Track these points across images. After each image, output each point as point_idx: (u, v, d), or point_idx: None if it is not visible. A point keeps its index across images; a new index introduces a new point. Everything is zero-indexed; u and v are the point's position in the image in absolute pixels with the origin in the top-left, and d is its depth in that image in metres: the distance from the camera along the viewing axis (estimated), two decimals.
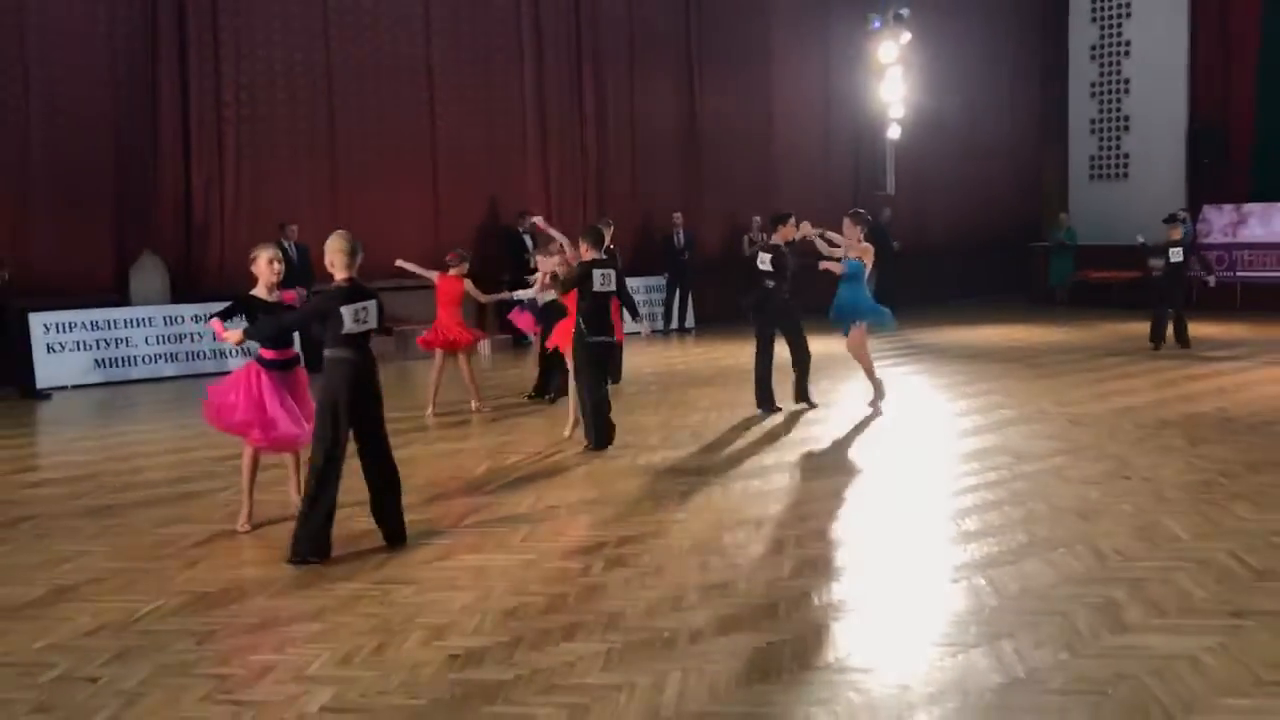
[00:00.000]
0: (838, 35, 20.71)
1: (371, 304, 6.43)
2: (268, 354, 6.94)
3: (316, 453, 6.30)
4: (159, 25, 14.09)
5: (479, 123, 16.86)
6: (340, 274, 6.42)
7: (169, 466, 8.89)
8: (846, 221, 10.78)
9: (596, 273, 9.09)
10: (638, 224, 18.55)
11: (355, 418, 6.34)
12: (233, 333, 6.68)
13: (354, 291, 6.39)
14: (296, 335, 7.24)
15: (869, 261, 10.66)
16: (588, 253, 9.26)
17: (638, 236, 18.43)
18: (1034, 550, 6.19)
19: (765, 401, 10.74)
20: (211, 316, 7.19)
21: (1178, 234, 14.54)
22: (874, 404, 10.69)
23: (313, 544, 6.25)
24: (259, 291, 7.01)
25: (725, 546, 6.40)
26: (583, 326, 9.10)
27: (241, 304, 7.04)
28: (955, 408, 10.87)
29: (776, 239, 10.77)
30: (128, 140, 14.04)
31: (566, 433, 9.58)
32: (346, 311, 6.29)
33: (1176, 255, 14.38)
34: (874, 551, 6.31)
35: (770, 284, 10.63)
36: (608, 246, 12.01)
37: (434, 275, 11.03)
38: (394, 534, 6.56)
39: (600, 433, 9.03)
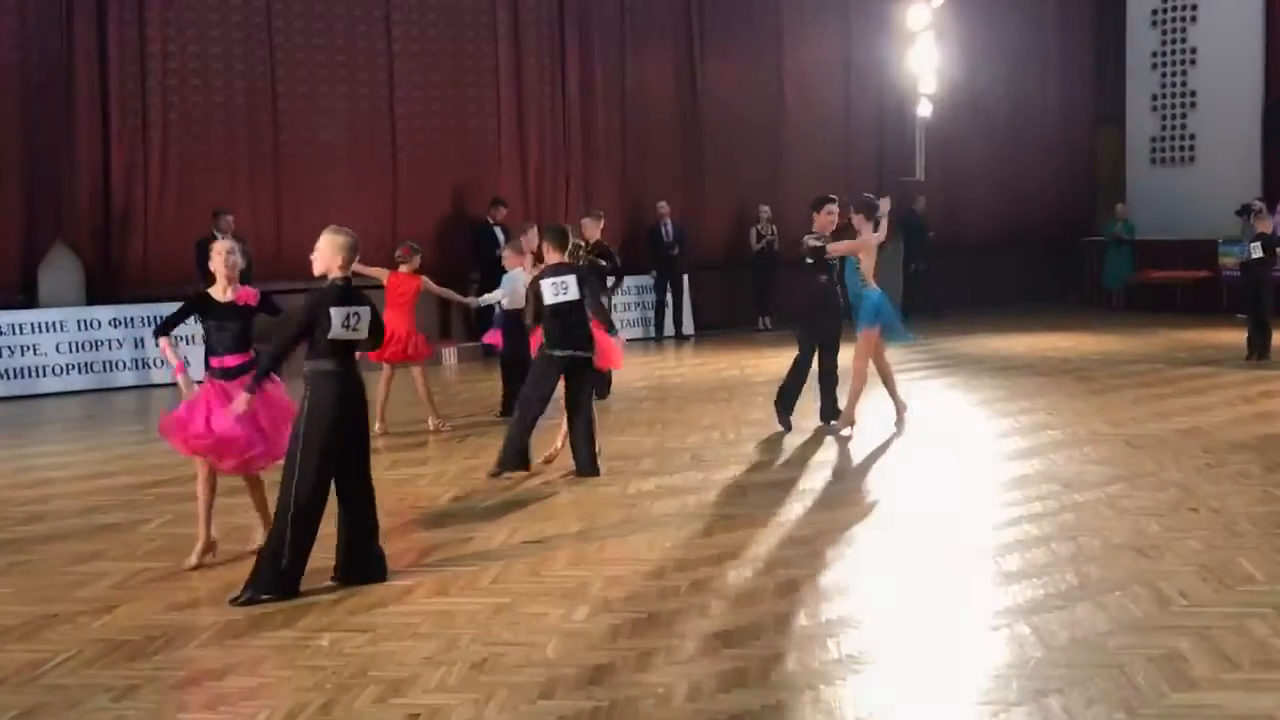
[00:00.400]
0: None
1: (365, 311, 6.47)
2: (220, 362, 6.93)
3: (298, 488, 6.26)
4: None
5: (445, 101, 16.90)
6: (338, 272, 6.48)
7: (83, 494, 8.88)
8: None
9: (546, 283, 9.03)
10: (630, 217, 18.57)
11: (342, 444, 6.34)
12: (239, 401, 6.58)
13: (347, 293, 6.44)
14: None
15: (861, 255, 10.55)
16: (550, 255, 9.25)
17: (630, 232, 18.45)
18: (1086, 593, 6.20)
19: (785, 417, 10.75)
20: (158, 332, 7.10)
21: (1265, 226, 14.65)
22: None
23: (278, 586, 6.26)
24: (215, 291, 6.99)
25: (728, 589, 6.40)
26: (544, 338, 9.14)
27: (193, 306, 7.01)
28: (994, 428, 10.88)
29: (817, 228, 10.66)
30: (37, 118, 14.05)
31: (548, 453, 9.55)
32: (336, 314, 6.33)
33: (1255, 251, 14.48)
34: (901, 595, 6.32)
35: (822, 279, 10.61)
36: (598, 242, 12.04)
37: (383, 273, 10.99)
38: (371, 572, 6.54)
39: (509, 455, 9.05)
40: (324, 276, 6.54)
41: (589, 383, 9.30)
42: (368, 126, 16.30)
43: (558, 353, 9.05)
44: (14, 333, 13.69)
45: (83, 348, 14.01)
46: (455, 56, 17.01)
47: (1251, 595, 6.13)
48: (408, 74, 16.58)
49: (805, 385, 10.73)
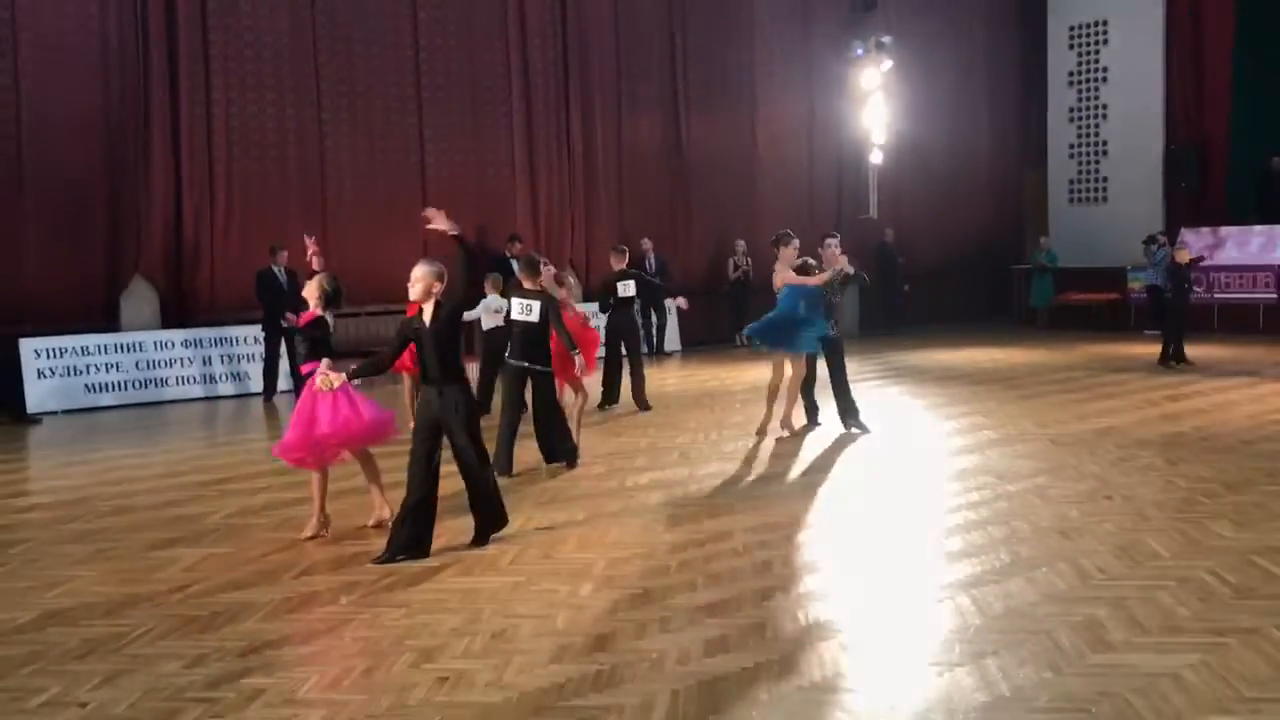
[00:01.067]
0: (821, 62, 20.85)
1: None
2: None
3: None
4: (150, 50, 14.14)
5: (468, 151, 16.91)
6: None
7: (159, 490, 8.85)
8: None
9: (514, 303, 9.11)
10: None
11: None
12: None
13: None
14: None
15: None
16: (525, 282, 9.24)
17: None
18: (1017, 569, 6.19)
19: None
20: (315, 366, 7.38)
21: (1182, 257, 14.80)
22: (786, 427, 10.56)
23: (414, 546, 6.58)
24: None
25: (712, 567, 6.39)
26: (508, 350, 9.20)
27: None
28: (937, 429, 10.89)
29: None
30: (119, 166, 14.06)
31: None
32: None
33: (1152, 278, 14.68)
34: (859, 572, 6.31)
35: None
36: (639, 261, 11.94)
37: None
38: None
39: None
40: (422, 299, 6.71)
41: (546, 391, 9.15)
42: (400, 175, 16.30)
43: (512, 361, 9.11)
44: (99, 353, 13.67)
45: (158, 365, 13.98)
46: (475, 115, 17.02)
47: (1159, 570, 6.13)
48: (435, 130, 16.59)
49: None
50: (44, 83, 13.50)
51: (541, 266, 9.37)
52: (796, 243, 10.51)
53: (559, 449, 9.19)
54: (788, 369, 10.44)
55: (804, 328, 10.26)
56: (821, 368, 10.77)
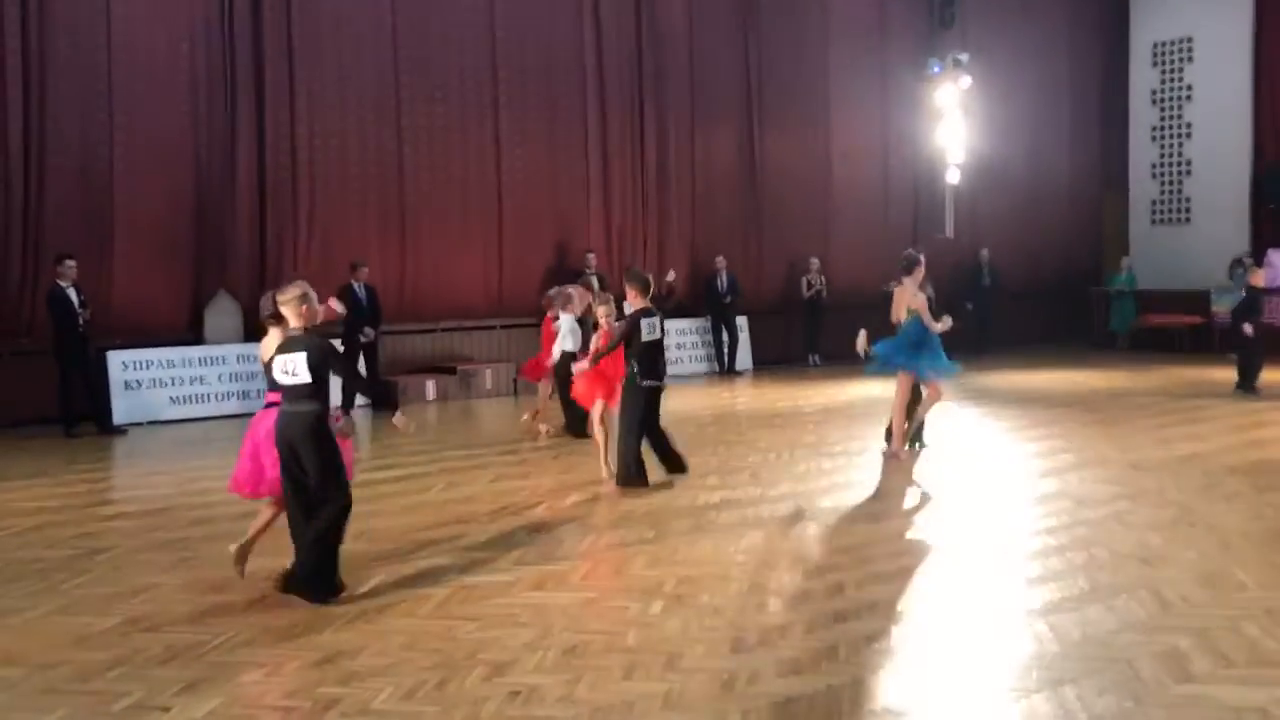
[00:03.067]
0: (896, 80, 20.70)
1: (298, 358, 6.14)
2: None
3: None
4: (237, 73, 14.45)
5: (543, 170, 17.05)
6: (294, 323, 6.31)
7: (240, 502, 8.92)
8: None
9: (644, 322, 9.11)
10: (694, 269, 18.60)
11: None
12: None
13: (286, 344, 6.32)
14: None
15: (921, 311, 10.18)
16: (636, 300, 9.39)
17: (696, 280, 18.48)
18: (1096, 596, 6.07)
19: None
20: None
21: (1256, 280, 14.41)
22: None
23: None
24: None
25: (785, 588, 6.35)
26: (634, 370, 9.15)
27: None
28: (1016, 452, 10.71)
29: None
30: (206, 185, 14.38)
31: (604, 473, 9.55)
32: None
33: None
34: (934, 596, 6.23)
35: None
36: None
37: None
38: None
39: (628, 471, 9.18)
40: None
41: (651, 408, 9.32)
42: (477, 192, 16.47)
43: (646, 383, 9.15)
44: (184, 365, 13.99)
45: (240, 379, 14.27)
46: (551, 133, 17.13)
47: (1245, 600, 5.97)
48: (512, 148, 16.73)
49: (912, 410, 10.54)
50: (136, 108, 13.86)
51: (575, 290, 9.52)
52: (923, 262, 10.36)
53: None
54: (912, 387, 10.29)
55: (932, 351, 10.18)
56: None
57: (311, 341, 6.22)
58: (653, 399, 9.29)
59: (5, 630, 5.87)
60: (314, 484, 6.22)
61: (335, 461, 6.27)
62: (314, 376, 6.15)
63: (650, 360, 9.16)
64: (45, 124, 13.31)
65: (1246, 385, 14.32)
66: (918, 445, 10.68)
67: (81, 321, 12.62)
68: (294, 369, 6.14)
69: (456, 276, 16.14)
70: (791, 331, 19.49)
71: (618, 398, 9.47)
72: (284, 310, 6.33)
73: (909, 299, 10.20)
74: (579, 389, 9.91)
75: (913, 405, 10.43)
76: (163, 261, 14.20)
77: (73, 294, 12.58)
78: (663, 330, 9.34)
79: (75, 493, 9.58)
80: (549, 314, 12.02)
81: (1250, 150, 21.13)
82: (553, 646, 5.43)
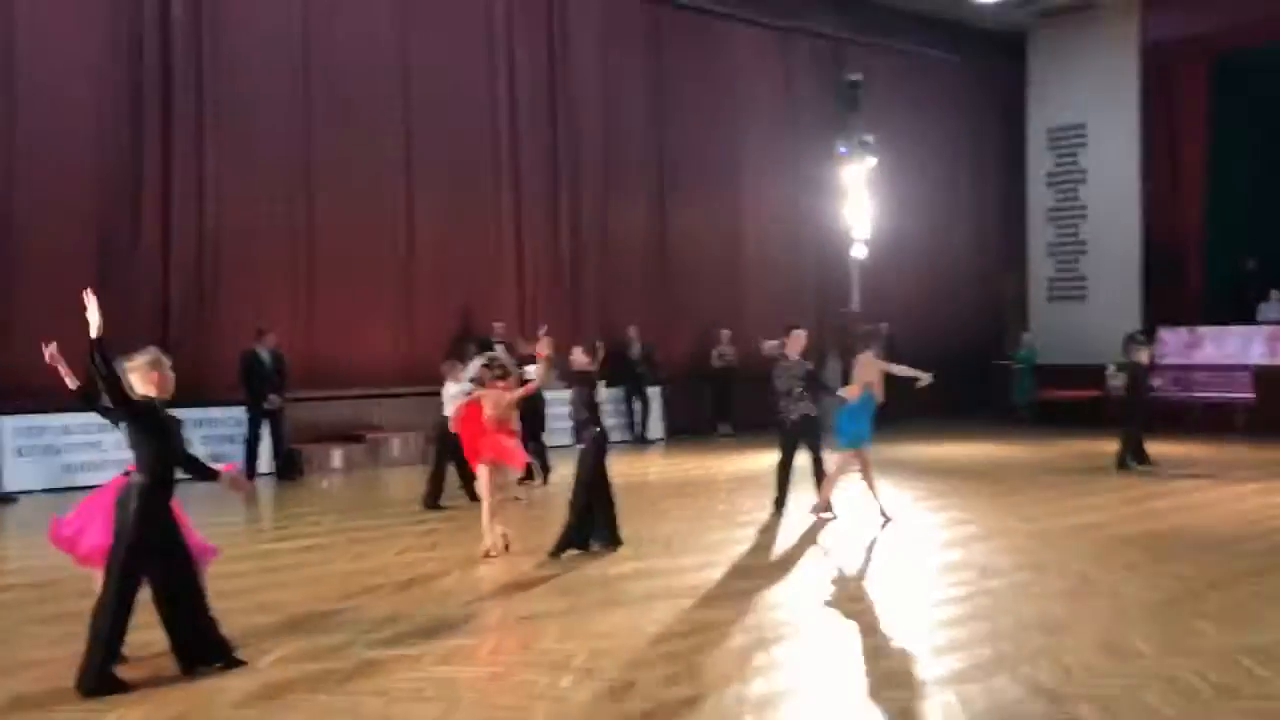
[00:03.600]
0: (805, 158, 21.20)
1: None
2: None
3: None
4: (144, 133, 14.27)
5: (455, 237, 17.06)
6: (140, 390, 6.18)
7: None
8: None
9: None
10: (609, 337, 18.65)
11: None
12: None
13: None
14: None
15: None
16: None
17: (609, 350, 18.49)
18: (1002, 665, 6.14)
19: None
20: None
21: (1141, 357, 14.84)
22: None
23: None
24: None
25: (696, 660, 6.32)
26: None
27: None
28: (921, 522, 10.86)
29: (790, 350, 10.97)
30: (109, 248, 14.10)
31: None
32: None
33: (1116, 379, 14.79)
34: (844, 666, 6.25)
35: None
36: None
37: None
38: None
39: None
40: None
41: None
42: (388, 257, 16.40)
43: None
44: (80, 431, 13.48)
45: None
46: (463, 201, 17.17)
47: (1143, 668, 6.09)
48: (424, 212, 16.72)
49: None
50: (37, 168, 13.61)
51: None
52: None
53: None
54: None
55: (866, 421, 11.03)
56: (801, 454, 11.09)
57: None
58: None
59: None
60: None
61: (120, 538, 5.96)
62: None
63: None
64: None
65: (1127, 461, 14.45)
66: (825, 514, 10.85)
67: None
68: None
69: (365, 343, 15.97)
70: (702, 400, 19.63)
71: (511, 459, 9.37)
72: (132, 377, 6.11)
73: (873, 369, 11.04)
74: (468, 448, 9.69)
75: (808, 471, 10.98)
76: (62, 325, 13.69)
77: None
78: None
79: None
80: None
81: (1140, 231, 22.01)
82: None
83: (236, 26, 15.03)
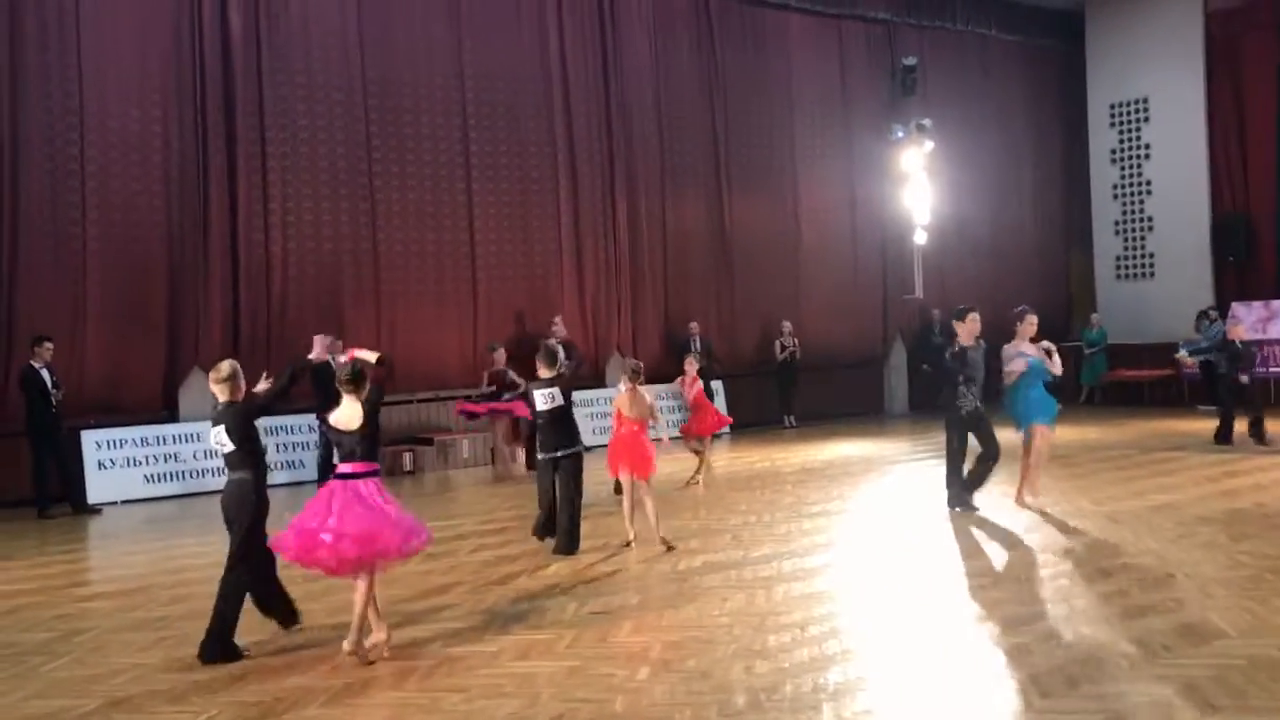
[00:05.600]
0: (861, 145, 21.04)
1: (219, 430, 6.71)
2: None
3: None
4: (210, 150, 14.54)
5: (516, 239, 17.20)
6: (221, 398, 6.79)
7: (216, 579, 8.87)
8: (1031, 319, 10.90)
9: (536, 393, 9.32)
10: (668, 335, 18.70)
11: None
12: None
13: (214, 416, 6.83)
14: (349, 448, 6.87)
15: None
16: (541, 371, 9.44)
17: (669, 346, 18.53)
18: (1081, 649, 6.08)
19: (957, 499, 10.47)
20: None
21: (1237, 333, 14.54)
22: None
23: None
24: None
25: (770, 650, 6.34)
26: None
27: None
28: (993, 506, 10.75)
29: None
30: (179, 262, 14.40)
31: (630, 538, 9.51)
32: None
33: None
34: (918, 653, 6.23)
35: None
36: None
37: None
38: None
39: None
40: None
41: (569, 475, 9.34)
42: (451, 264, 16.57)
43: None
44: (158, 444, 13.90)
45: (215, 455, 14.11)
46: (524, 203, 17.30)
47: (1226, 648, 6.00)
48: (484, 218, 16.88)
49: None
50: (109, 187, 13.95)
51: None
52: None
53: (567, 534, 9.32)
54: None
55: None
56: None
57: (231, 410, 6.73)
58: (546, 468, 9.37)
59: None
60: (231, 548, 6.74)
61: (252, 530, 6.71)
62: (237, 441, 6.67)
63: (542, 431, 9.38)
64: (18, 202, 13.37)
65: (1226, 438, 14.30)
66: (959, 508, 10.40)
67: (54, 402, 12.56)
68: (221, 440, 6.70)
69: (431, 347, 16.17)
70: (765, 393, 19.59)
71: (643, 470, 9.39)
72: (214, 388, 6.80)
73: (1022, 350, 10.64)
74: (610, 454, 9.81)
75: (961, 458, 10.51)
76: (136, 339, 14.17)
77: (45, 375, 12.53)
78: (565, 400, 9.31)
79: (51, 574, 9.46)
80: (690, 374, 13.07)
81: (1208, 204, 21.58)
82: (540, 716, 5.39)
83: (296, 43, 15.27)
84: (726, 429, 14.98)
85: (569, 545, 9.23)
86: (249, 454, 6.73)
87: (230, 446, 6.67)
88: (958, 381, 10.37)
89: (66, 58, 13.68)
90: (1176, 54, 21.63)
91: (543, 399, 9.30)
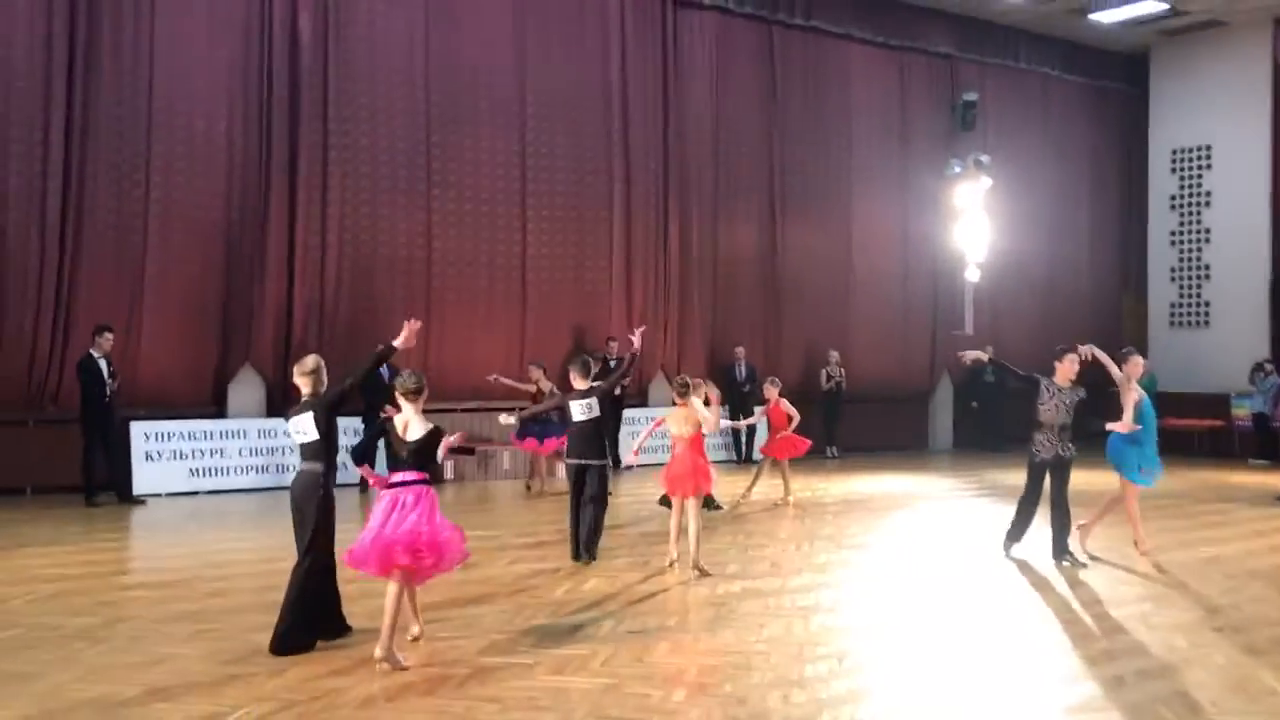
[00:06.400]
0: (917, 178, 20.93)
1: (304, 419, 6.79)
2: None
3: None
4: (272, 153, 14.75)
5: (567, 255, 17.26)
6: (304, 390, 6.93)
7: (258, 575, 8.99)
8: (1135, 359, 10.33)
9: (574, 404, 9.56)
10: (713, 358, 18.66)
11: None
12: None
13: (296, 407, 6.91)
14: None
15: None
16: (577, 382, 9.72)
17: (715, 370, 18.49)
18: (1124, 700, 5.98)
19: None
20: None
21: None
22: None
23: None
24: None
25: (808, 680, 6.28)
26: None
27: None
28: (1035, 552, 10.60)
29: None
30: (236, 261, 14.59)
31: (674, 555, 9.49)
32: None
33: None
34: (959, 693, 6.15)
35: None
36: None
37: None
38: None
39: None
40: None
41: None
42: (502, 276, 16.66)
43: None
44: (206, 438, 14.06)
45: (261, 453, 14.32)
46: (577, 220, 17.37)
47: (1275, 706, 5.87)
48: (537, 233, 16.95)
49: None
50: (173, 185, 14.17)
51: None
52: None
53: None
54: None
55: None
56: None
57: (319, 401, 6.87)
58: (578, 476, 9.54)
59: (25, 697, 5.84)
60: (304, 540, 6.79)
61: (323, 524, 6.73)
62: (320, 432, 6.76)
63: (574, 439, 9.59)
64: (83, 197, 13.61)
65: None
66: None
67: (109, 392, 12.74)
68: (304, 428, 6.77)
69: (479, 357, 16.24)
70: (809, 422, 19.45)
71: (692, 489, 9.34)
72: (299, 380, 6.91)
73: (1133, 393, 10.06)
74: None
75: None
76: (190, 334, 14.36)
77: (103, 364, 12.73)
78: (601, 410, 9.58)
79: (96, 561, 9.59)
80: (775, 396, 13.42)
81: (1269, 256, 21.24)
82: None
83: (362, 49, 15.45)
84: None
85: (588, 554, 9.45)
86: (326, 447, 6.82)
87: (313, 436, 6.75)
88: (1050, 426, 9.96)
89: (139, 60, 13.93)
90: (1242, 101, 21.36)
91: (581, 409, 9.52)
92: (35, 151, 13.34)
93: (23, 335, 13.30)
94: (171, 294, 14.17)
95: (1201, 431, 20.33)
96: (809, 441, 13.94)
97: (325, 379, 6.97)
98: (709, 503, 10.67)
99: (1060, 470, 9.98)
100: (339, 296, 15.24)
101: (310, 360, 7.01)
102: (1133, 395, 10.03)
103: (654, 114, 18.07)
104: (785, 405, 13.49)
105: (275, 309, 14.78)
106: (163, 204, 14.12)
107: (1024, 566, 9.79)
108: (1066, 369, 10.03)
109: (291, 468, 14.06)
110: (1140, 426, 10.08)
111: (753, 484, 13.39)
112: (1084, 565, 9.74)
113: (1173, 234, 22.49)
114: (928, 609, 8.18)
